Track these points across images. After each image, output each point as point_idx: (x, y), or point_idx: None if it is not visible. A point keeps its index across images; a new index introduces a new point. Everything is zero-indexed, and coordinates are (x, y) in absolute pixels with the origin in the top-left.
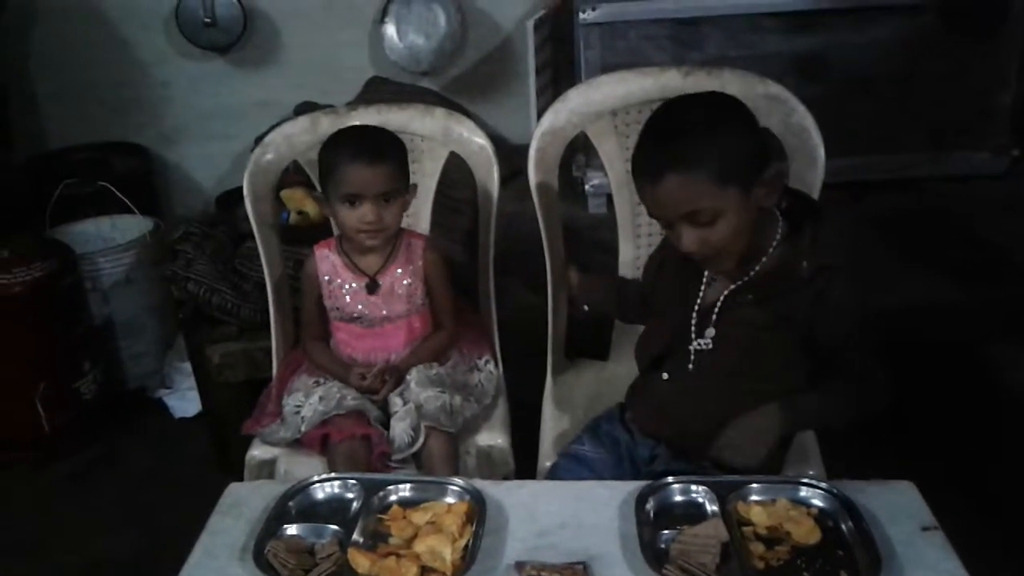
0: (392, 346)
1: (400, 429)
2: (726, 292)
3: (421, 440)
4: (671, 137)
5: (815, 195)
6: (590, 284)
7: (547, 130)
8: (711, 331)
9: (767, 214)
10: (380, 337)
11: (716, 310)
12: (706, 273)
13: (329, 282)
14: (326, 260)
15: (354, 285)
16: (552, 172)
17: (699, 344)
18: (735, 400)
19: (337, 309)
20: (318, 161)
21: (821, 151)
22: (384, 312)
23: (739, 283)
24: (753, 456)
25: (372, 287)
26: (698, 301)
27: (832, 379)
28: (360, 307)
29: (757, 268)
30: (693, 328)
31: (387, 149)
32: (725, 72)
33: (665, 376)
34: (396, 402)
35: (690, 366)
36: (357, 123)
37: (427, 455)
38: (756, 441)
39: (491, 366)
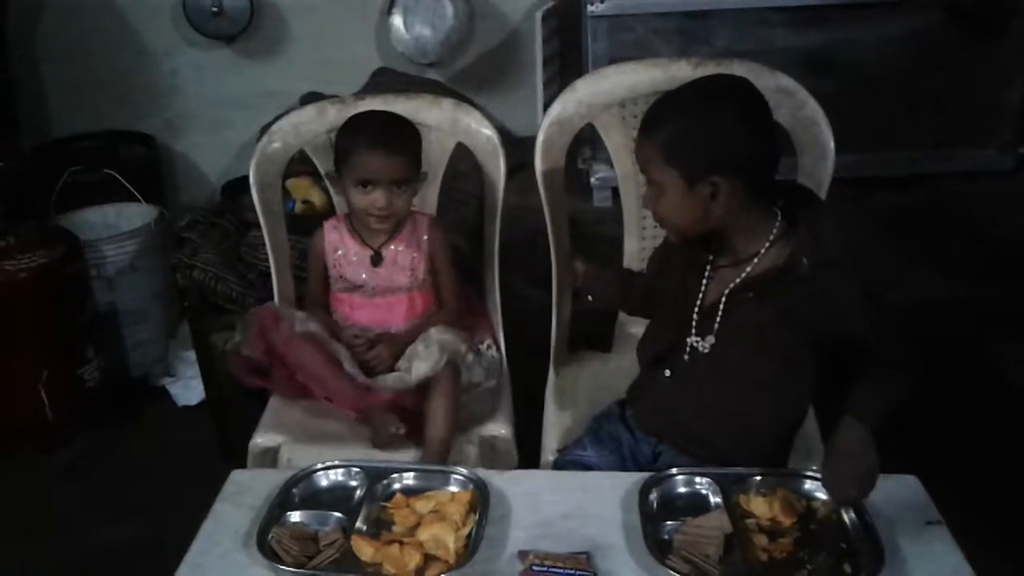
0: (393, 320)
1: (423, 368)
2: (727, 291)
3: (443, 361)
4: (664, 101)
5: (824, 188)
6: (596, 275)
7: (554, 120)
8: (711, 338)
9: (753, 212)
10: (382, 309)
11: (720, 311)
12: (707, 269)
13: (335, 250)
14: (334, 231)
15: (357, 256)
16: (559, 163)
17: (696, 343)
18: (733, 400)
19: (342, 278)
20: (335, 141)
21: (831, 144)
22: (387, 283)
23: (738, 281)
24: (870, 487)
25: (376, 259)
26: (699, 299)
27: (875, 368)
28: (364, 276)
29: (752, 264)
30: (694, 327)
31: (405, 138)
32: (735, 64)
33: (667, 373)
34: (418, 347)
35: (686, 358)
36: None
37: (435, 382)
38: (866, 471)
39: (493, 351)
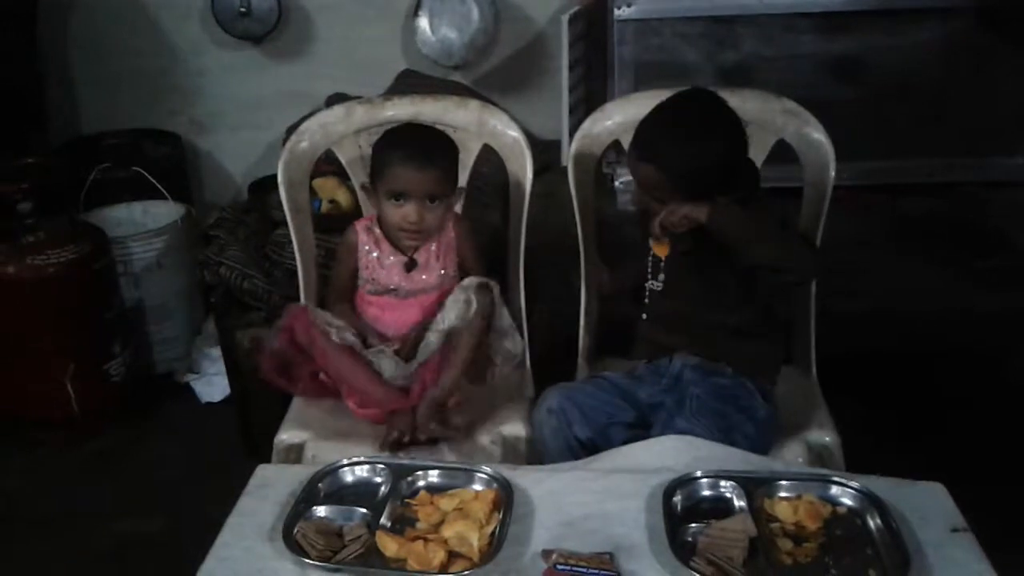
0: (423, 316)
1: (452, 316)
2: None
3: (472, 311)
4: (659, 128)
5: (827, 194)
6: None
7: (586, 134)
8: (661, 276)
9: None
10: (412, 308)
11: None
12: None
13: (369, 252)
14: (367, 232)
15: (392, 259)
16: (589, 171)
17: (652, 285)
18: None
19: (373, 281)
20: (371, 154)
21: (832, 157)
22: (420, 287)
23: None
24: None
25: (410, 265)
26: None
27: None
28: (397, 280)
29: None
30: (649, 273)
31: (439, 152)
32: (745, 91)
33: (644, 316)
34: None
35: (646, 301)
36: (395, 113)
37: (455, 333)
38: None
39: (517, 335)
